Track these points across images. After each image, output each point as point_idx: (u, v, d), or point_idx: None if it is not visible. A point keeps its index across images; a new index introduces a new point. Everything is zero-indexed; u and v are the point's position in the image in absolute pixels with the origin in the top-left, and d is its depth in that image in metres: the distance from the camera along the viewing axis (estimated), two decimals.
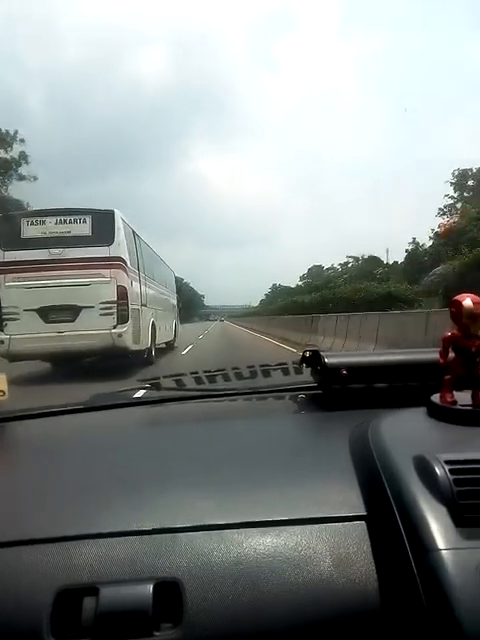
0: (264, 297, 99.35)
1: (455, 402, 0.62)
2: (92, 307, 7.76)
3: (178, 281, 19.94)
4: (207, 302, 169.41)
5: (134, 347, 8.15)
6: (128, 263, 8.23)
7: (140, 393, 1.09)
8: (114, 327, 7.74)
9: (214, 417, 0.97)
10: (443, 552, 0.40)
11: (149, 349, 9.32)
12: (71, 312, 7.76)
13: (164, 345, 12.57)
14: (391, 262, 41.88)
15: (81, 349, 7.71)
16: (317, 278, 59.73)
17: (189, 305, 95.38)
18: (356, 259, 53.84)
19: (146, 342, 9.06)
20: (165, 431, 0.88)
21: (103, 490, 0.57)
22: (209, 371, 1.07)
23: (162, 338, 11.58)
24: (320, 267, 70.68)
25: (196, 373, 1.06)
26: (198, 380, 1.05)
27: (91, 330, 7.65)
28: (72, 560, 0.45)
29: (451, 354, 0.65)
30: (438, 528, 0.42)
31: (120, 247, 8.05)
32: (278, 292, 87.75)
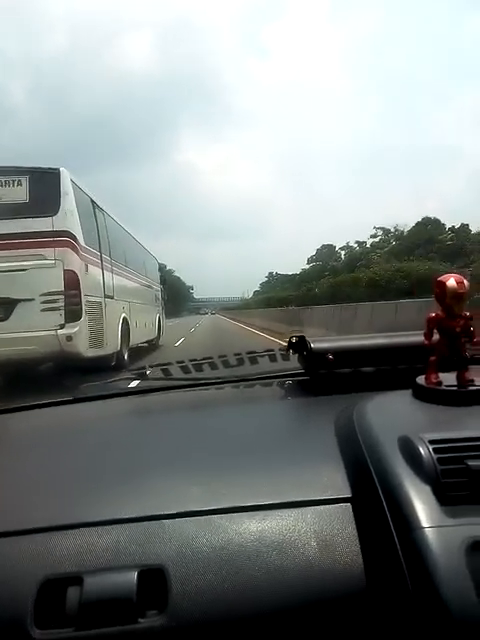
0: (258, 288, 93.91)
1: (440, 383, 0.62)
2: (31, 300, 5.70)
3: (162, 269, 17.53)
4: (197, 294, 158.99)
5: (91, 352, 6.08)
6: (81, 240, 6.11)
7: (127, 383, 1.09)
8: (61, 326, 5.70)
9: (201, 405, 0.97)
10: (427, 530, 0.40)
11: (118, 353, 7.37)
12: (1, 308, 5.71)
13: (145, 344, 10.67)
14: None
15: (17, 356, 5.58)
16: (329, 259, 52.38)
17: (176, 298, 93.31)
18: (387, 231, 44.84)
19: (113, 344, 7.11)
20: (152, 420, 0.88)
21: (88, 480, 0.57)
22: (196, 360, 1.06)
23: (140, 337, 9.63)
24: (331, 247, 59.08)
25: (183, 362, 1.05)
26: (185, 369, 1.04)
27: (30, 331, 5.61)
28: (56, 550, 0.45)
29: (436, 335, 0.64)
30: (422, 507, 0.42)
31: (68, 218, 5.92)
32: (276, 280, 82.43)
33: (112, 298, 7.35)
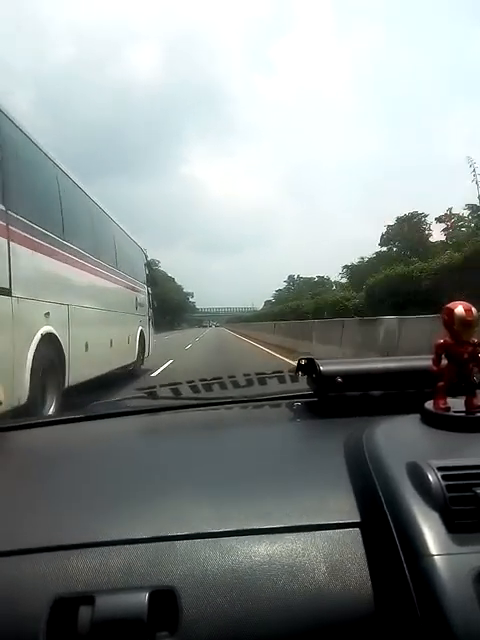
0: (272, 298, 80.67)
1: (448, 408, 0.62)
2: None
3: (151, 265, 13.16)
4: (200, 304, 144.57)
5: None
6: None
7: (137, 402, 1.08)
8: None
9: (210, 425, 0.97)
10: (436, 557, 0.41)
11: (42, 399, 4.27)
12: None
13: (119, 370, 7.36)
14: None
15: None
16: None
17: (174, 309, 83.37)
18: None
19: (27, 386, 3.91)
20: (161, 440, 0.87)
21: (99, 499, 0.57)
22: (205, 379, 1.06)
23: (98, 365, 6.19)
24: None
25: (192, 382, 1.05)
26: (194, 389, 1.04)
27: None
28: (68, 569, 0.45)
29: (444, 361, 0.65)
30: (431, 534, 0.43)
31: None
32: (298, 285, 72.08)
33: (37, 299, 4.27)
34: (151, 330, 10.21)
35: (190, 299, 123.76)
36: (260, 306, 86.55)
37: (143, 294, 9.62)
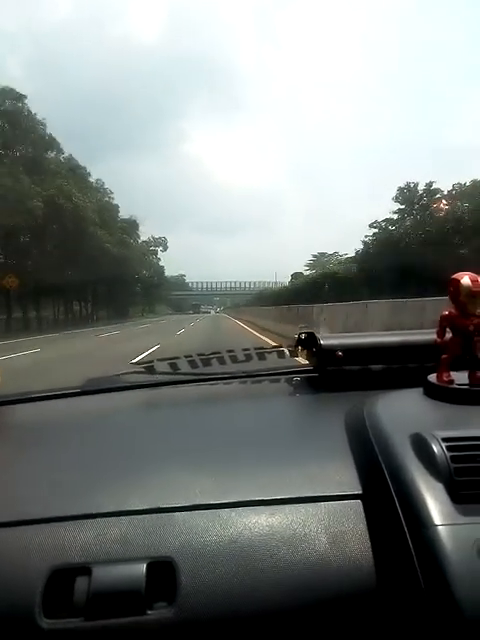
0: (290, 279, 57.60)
1: (452, 381, 0.62)
2: None
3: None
4: (190, 278, 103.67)
5: None
6: None
7: (134, 377, 1.07)
8: None
9: (209, 400, 0.97)
10: (440, 528, 0.40)
11: None
12: None
13: None
14: None
15: None
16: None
17: (148, 286, 63.44)
18: None
19: None
20: (160, 414, 0.87)
21: (97, 471, 0.57)
22: (203, 354, 1.06)
23: None
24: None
25: (190, 356, 1.05)
26: (193, 363, 1.04)
27: None
28: (65, 540, 0.45)
29: (448, 333, 0.64)
30: (435, 504, 0.42)
31: None
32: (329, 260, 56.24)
33: None
34: None
35: (183, 277, 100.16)
36: (287, 280, 59.77)
37: None
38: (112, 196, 47.31)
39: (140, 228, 56.19)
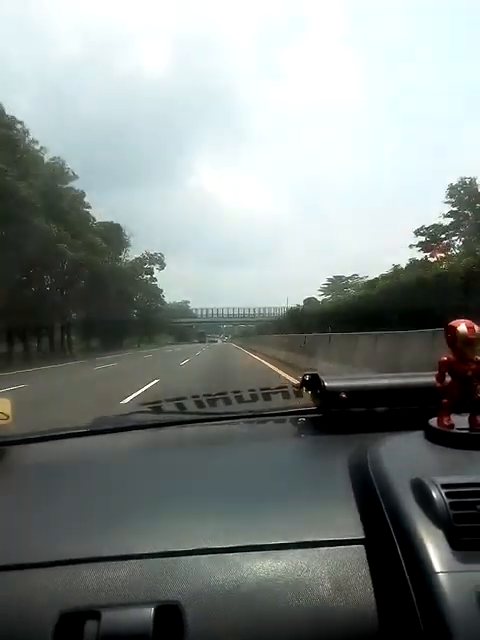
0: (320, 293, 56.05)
1: (452, 425, 0.63)
2: None
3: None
4: (195, 305, 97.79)
5: None
6: None
7: (141, 417, 1.08)
8: None
9: (215, 440, 0.98)
10: (440, 575, 0.41)
11: None
12: None
13: None
14: None
15: None
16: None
17: (144, 312, 55.94)
18: None
19: None
20: (166, 455, 0.88)
21: (105, 514, 0.58)
22: (210, 394, 1.07)
23: None
24: None
25: (197, 396, 1.06)
26: (199, 403, 1.05)
27: None
28: (74, 584, 0.45)
29: (448, 378, 0.65)
30: (435, 551, 0.43)
31: None
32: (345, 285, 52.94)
33: None
34: None
35: (187, 304, 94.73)
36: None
37: None
38: (73, 179, 34.53)
39: (130, 239, 47.64)
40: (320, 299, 52.92)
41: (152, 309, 60.36)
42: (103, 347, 39.92)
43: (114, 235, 42.85)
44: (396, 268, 21.80)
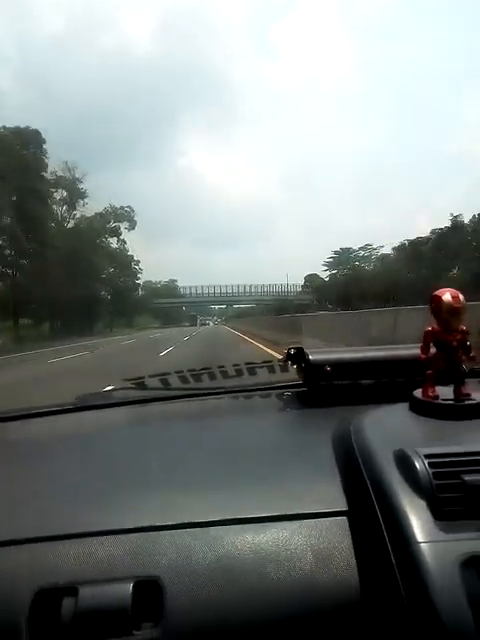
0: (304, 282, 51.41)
1: (437, 397, 0.62)
2: None
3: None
4: (183, 282, 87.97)
5: None
6: None
7: (125, 393, 1.06)
8: None
9: (199, 416, 0.97)
10: (422, 545, 0.41)
11: None
12: None
13: None
14: None
15: None
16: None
17: (118, 291, 44.56)
18: None
19: None
20: (150, 430, 0.87)
21: (85, 490, 0.57)
22: (194, 370, 1.06)
23: None
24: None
25: (181, 372, 1.05)
26: (183, 379, 1.04)
27: None
28: (51, 560, 0.45)
29: (432, 349, 0.65)
30: (418, 521, 0.43)
31: None
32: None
33: None
34: None
35: (175, 283, 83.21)
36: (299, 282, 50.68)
37: None
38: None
39: (85, 188, 35.24)
40: (324, 275, 48.47)
41: (128, 285, 48.42)
42: (65, 333, 30.85)
43: (33, 145, 28.67)
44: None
